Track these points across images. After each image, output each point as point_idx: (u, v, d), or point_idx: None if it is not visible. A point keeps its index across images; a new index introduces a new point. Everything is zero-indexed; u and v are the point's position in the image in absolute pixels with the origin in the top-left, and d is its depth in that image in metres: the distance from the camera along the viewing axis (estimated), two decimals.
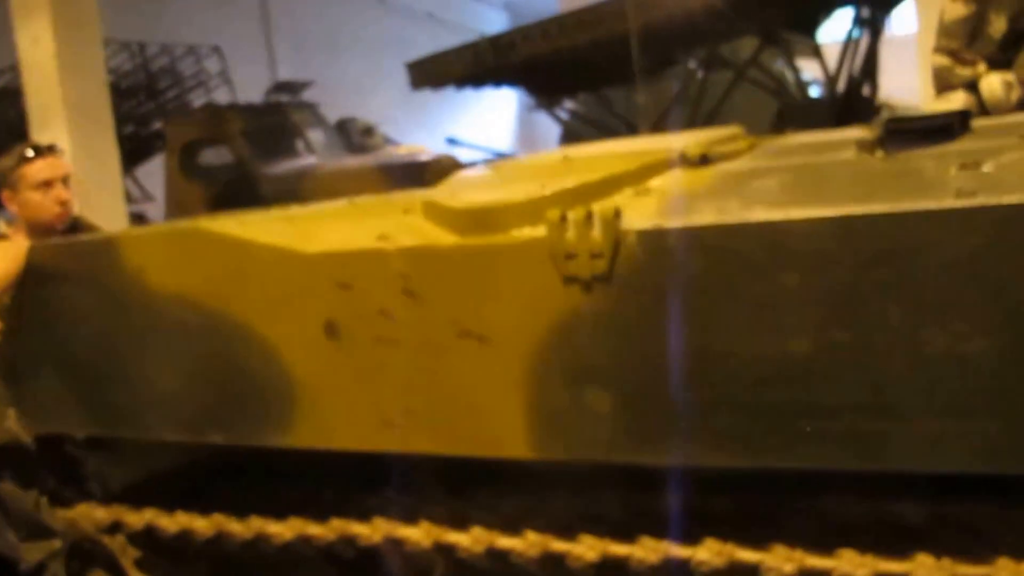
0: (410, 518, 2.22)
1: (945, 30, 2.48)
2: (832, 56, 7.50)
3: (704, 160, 2.02)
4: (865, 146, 1.80)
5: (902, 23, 11.59)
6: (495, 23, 23.61)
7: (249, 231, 2.26)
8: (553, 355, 1.89)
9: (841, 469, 1.73)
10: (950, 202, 1.57)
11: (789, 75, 7.99)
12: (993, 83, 2.37)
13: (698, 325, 1.75)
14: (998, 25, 2.40)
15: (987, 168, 1.62)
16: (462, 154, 10.84)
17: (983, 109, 2.39)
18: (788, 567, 1.81)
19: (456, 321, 1.97)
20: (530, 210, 1.90)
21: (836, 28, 8.49)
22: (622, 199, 1.89)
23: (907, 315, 1.59)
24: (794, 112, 7.21)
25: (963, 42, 2.42)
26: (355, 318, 2.09)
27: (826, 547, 1.80)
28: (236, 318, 2.25)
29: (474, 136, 12.42)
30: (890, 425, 1.64)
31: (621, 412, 1.85)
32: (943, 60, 2.46)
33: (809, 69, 8.92)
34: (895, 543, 1.79)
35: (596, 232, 1.81)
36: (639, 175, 1.98)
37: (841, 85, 7.24)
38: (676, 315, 1.76)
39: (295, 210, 2.63)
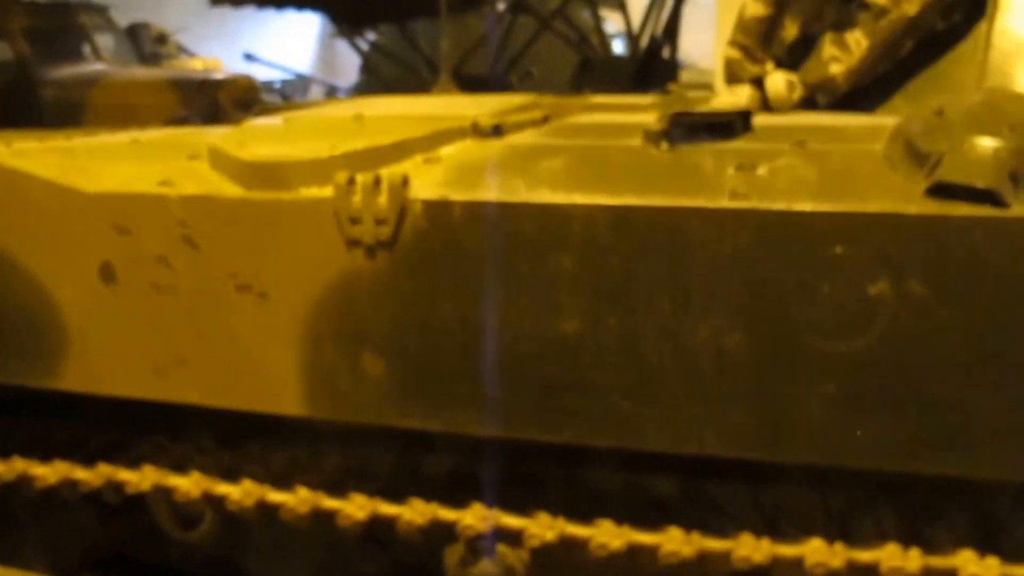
0: (180, 467, 2.20)
1: (742, 26, 2.61)
2: (638, 11, 7.65)
3: (497, 131, 2.06)
4: (651, 136, 1.86)
5: None
6: None
7: (24, 161, 2.18)
8: (331, 316, 1.90)
9: (604, 447, 1.82)
10: (724, 203, 1.65)
11: (593, 28, 8.10)
12: (778, 82, 2.53)
13: (476, 298, 1.79)
14: (791, 30, 2.56)
15: (761, 171, 1.72)
16: (259, 72, 10.58)
17: (766, 104, 2.53)
18: (550, 534, 1.89)
19: (236, 274, 1.96)
20: (318, 169, 1.90)
21: None
22: (412, 166, 1.91)
23: (673, 306, 1.68)
24: (595, 67, 7.35)
25: (756, 40, 2.56)
26: (132, 263, 2.04)
27: (586, 517, 1.89)
28: (5, 251, 2.17)
29: (273, 54, 12.13)
30: (651, 409, 1.73)
31: (395, 377, 1.88)
32: (736, 54, 2.60)
33: (615, 21, 9.07)
34: (649, 516, 1.89)
35: (382, 198, 1.82)
36: (431, 142, 2.00)
37: (643, 44, 7.40)
38: (456, 287, 1.80)
39: (77, 140, 2.54)
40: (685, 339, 1.69)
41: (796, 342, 1.65)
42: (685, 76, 7.50)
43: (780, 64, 2.56)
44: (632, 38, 7.56)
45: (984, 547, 1.74)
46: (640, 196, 1.70)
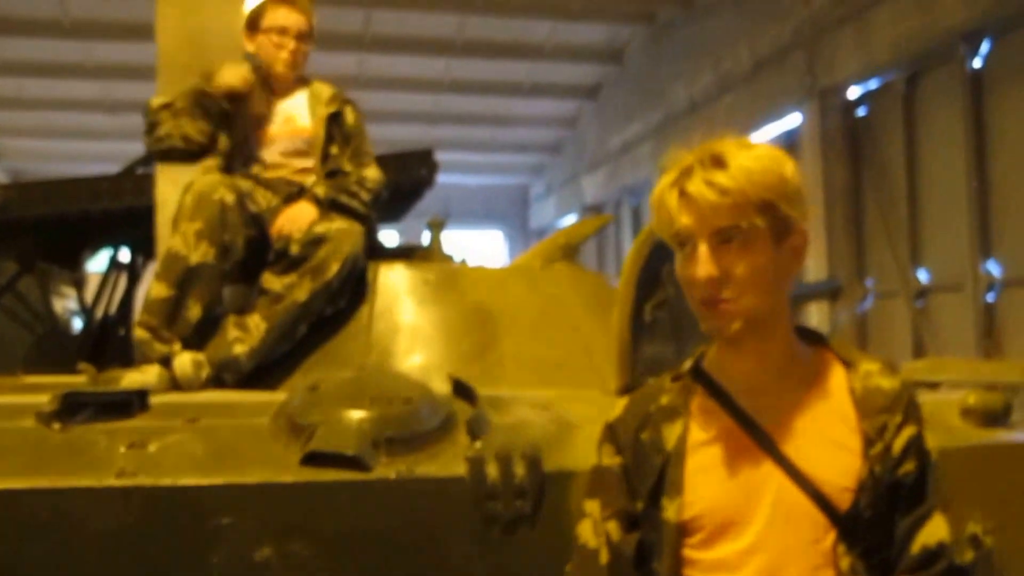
0: None
1: (147, 307, 2.57)
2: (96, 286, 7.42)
3: None
4: (43, 417, 1.79)
5: None
6: None
7: None
8: None
9: None
10: (110, 481, 1.62)
11: (46, 306, 7.75)
12: (185, 362, 2.50)
13: None
14: (195, 310, 2.57)
15: (152, 448, 1.70)
16: None
17: (176, 383, 2.49)
18: None
19: None
20: None
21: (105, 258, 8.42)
22: None
23: None
24: (50, 343, 6.99)
25: (162, 320, 2.54)
26: None
27: None
28: None
29: None
30: None
31: None
32: (144, 334, 2.55)
33: (72, 297, 8.72)
34: None
35: None
36: None
37: (98, 319, 7.18)
38: None
39: None
40: None
41: None
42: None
43: (188, 344, 2.56)
44: (88, 314, 7.31)
45: None
46: (24, 478, 1.61)
